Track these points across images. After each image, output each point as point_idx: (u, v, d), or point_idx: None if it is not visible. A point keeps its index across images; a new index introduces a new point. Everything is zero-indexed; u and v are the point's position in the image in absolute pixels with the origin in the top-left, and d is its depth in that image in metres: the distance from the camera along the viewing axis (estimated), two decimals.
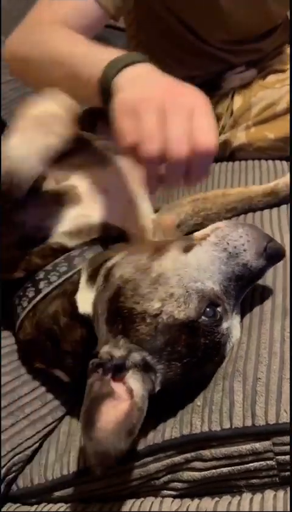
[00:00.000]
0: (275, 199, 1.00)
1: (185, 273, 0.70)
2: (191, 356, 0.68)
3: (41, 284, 0.79)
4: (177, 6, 1.14)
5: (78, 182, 0.86)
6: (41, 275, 0.80)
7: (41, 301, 0.79)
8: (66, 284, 0.79)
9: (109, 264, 0.76)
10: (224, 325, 0.71)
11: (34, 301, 0.79)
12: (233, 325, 0.73)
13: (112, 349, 0.69)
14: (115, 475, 0.73)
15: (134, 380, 0.67)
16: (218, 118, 1.26)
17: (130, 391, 0.66)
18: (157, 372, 0.68)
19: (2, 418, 0.78)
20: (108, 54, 0.74)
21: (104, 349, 0.69)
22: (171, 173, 0.66)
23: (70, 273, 0.79)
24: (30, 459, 0.81)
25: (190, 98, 0.66)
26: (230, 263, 0.71)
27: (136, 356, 0.68)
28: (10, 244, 0.80)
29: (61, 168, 0.84)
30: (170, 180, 0.68)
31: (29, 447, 0.80)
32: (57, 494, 0.77)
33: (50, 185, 0.84)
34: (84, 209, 0.84)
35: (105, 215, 0.85)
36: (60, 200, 0.83)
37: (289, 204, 1.01)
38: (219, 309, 0.70)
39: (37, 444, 0.81)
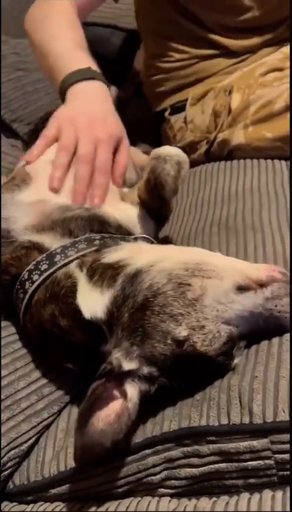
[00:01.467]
0: (155, 192, 0.84)
1: (225, 312, 0.68)
2: (194, 380, 0.69)
3: (27, 285, 0.77)
4: None
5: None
6: (26, 275, 0.78)
7: (31, 304, 0.77)
8: (54, 287, 0.75)
9: (128, 269, 0.72)
10: (235, 361, 0.70)
11: (24, 302, 0.78)
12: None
13: (123, 358, 0.67)
14: (112, 469, 0.71)
15: (131, 387, 0.67)
16: (216, 115, 1.24)
17: (125, 395, 0.66)
18: (156, 383, 0.68)
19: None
20: (74, 63, 0.91)
21: (116, 355, 0.67)
22: (78, 182, 0.82)
23: (50, 271, 0.76)
24: (26, 455, 0.79)
25: (103, 132, 0.85)
26: (268, 322, 0.69)
27: (145, 370, 0.67)
28: None
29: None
30: (76, 189, 0.82)
31: (25, 442, 0.78)
32: (53, 491, 0.75)
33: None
34: (39, 191, 0.82)
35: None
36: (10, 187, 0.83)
37: (288, 204, 0.99)
38: (235, 349, 0.69)
39: (33, 440, 0.79)
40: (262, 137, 1.15)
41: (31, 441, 0.79)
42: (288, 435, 0.62)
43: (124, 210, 0.87)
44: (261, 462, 0.64)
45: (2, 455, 0.75)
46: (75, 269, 0.76)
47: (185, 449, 0.67)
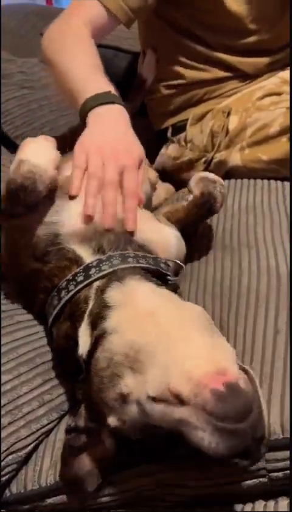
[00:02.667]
0: (204, 207, 0.93)
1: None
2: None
3: (63, 293, 0.78)
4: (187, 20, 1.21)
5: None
6: (63, 284, 0.78)
7: (63, 312, 0.78)
8: (73, 306, 0.76)
9: (104, 325, 0.69)
10: None
11: (56, 310, 0.78)
12: None
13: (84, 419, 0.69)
14: (110, 484, 0.70)
15: (108, 438, 0.68)
16: (214, 135, 1.25)
17: (103, 442, 0.68)
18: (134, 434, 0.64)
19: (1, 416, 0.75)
20: (94, 87, 0.93)
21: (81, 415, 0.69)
22: (106, 206, 0.83)
23: (85, 283, 0.76)
24: (24, 462, 0.78)
25: (129, 159, 0.87)
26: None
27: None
28: (30, 255, 0.80)
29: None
30: (106, 213, 0.83)
31: (23, 447, 0.77)
32: (49, 501, 0.74)
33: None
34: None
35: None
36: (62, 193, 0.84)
37: (288, 207, 1.00)
38: None
39: (31, 447, 0.78)
40: (258, 160, 1.16)
41: (29, 447, 0.78)
42: (283, 453, 0.62)
43: (159, 231, 0.89)
44: (256, 481, 0.64)
45: (1, 458, 0.74)
46: (92, 293, 0.75)
47: (179, 472, 0.67)
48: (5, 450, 0.74)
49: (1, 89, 1.44)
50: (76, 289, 0.76)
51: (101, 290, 0.74)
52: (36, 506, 0.75)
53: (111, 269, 0.76)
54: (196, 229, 0.99)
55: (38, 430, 0.78)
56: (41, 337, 0.86)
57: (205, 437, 0.52)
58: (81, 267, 0.78)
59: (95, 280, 0.76)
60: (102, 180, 0.84)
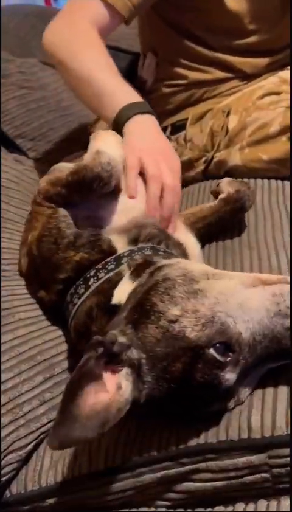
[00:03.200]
0: (237, 203, 1.00)
1: (225, 301, 0.63)
2: (180, 383, 0.62)
3: (91, 281, 0.78)
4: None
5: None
6: (92, 272, 0.78)
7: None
8: (104, 283, 0.76)
9: (159, 264, 0.74)
10: (227, 375, 0.61)
11: (83, 297, 0.78)
12: (236, 390, 0.64)
13: (118, 334, 0.64)
14: (109, 484, 0.70)
15: (125, 380, 0.63)
16: (214, 135, 1.25)
17: (119, 387, 0.62)
18: (145, 384, 0.63)
19: (1, 415, 0.75)
20: (126, 97, 0.96)
21: (112, 331, 0.65)
22: (166, 210, 0.90)
23: (116, 270, 0.76)
24: (24, 462, 0.78)
25: (175, 164, 0.93)
26: (275, 320, 0.62)
27: (134, 353, 0.63)
28: (67, 244, 0.80)
29: None
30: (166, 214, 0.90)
31: (23, 446, 0.76)
32: (50, 501, 0.74)
33: None
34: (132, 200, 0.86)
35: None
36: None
37: (284, 221, 1.00)
38: (231, 355, 0.61)
39: (31, 446, 0.78)
40: (258, 159, 1.15)
41: (29, 447, 0.77)
42: (286, 450, 0.62)
43: (188, 235, 0.95)
44: (258, 476, 0.63)
45: (1, 458, 0.73)
46: (125, 266, 0.77)
47: (182, 468, 0.66)
48: (5, 449, 0.74)
49: (1, 89, 1.44)
50: (107, 276, 0.76)
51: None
52: (36, 506, 0.75)
53: (141, 260, 0.77)
54: (220, 229, 1.02)
55: (37, 429, 0.78)
56: (42, 334, 0.86)
57: None
58: (113, 257, 0.79)
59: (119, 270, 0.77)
60: (162, 184, 0.88)
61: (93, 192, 0.81)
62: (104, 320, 0.72)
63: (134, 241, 0.82)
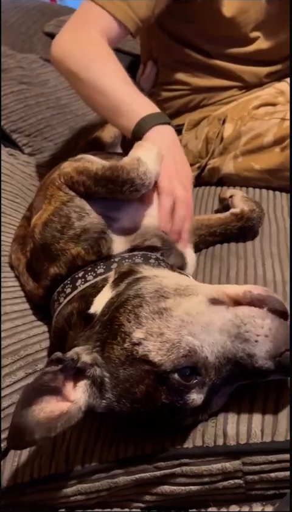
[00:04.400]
0: (248, 222, 1.00)
1: (190, 323, 0.63)
2: (143, 404, 0.62)
3: (78, 282, 0.78)
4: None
5: None
6: (80, 273, 0.79)
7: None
8: (89, 287, 0.77)
9: (139, 275, 0.74)
10: (193, 396, 0.61)
11: (69, 298, 0.78)
12: (208, 405, 0.64)
13: (82, 352, 0.66)
14: (85, 482, 0.70)
15: (82, 392, 0.64)
16: (208, 142, 1.26)
17: (75, 398, 0.63)
18: (105, 399, 0.64)
19: None
20: (145, 107, 0.97)
21: (76, 349, 0.66)
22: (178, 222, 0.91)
23: (104, 276, 0.77)
24: (2, 457, 0.78)
25: (189, 181, 0.95)
26: (236, 344, 0.62)
27: (97, 371, 0.64)
28: (72, 236, 0.80)
29: None
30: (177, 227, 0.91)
31: (1, 440, 0.77)
32: (25, 498, 0.74)
33: None
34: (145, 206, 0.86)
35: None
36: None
37: (279, 217, 1.02)
38: (198, 378, 0.61)
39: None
40: (250, 168, 1.16)
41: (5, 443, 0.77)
42: (260, 457, 0.63)
43: (190, 251, 0.95)
44: (231, 482, 0.64)
45: None
46: (112, 273, 0.77)
47: (158, 472, 0.67)
48: None
49: (0, 84, 1.43)
50: (94, 280, 0.77)
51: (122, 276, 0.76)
52: (11, 502, 0.75)
53: (127, 268, 0.77)
54: (220, 241, 1.02)
55: None
56: (27, 329, 0.87)
57: (265, 325, 0.62)
58: (103, 261, 0.79)
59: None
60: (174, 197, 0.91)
61: (118, 193, 0.80)
62: (80, 328, 0.73)
63: (136, 248, 0.82)
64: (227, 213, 1.03)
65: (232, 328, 0.63)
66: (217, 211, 1.10)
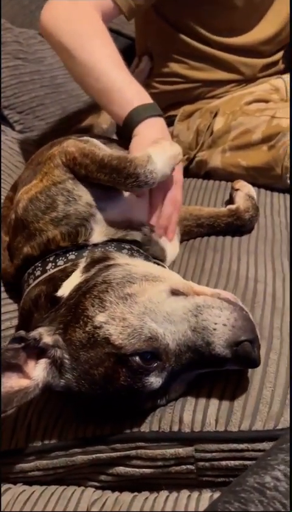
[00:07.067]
0: (238, 220, 1.01)
1: (153, 311, 0.65)
2: (101, 386, 0.64)
3: (49, 265, 0.79)
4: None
5: None
6: (52, 257, 0.79)
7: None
8: (57, 272, 0.77)
9: (111, 262, 0.75)
10: (152, 379, 0.64)
11: (37, 280, 0.79)
12: (166, 390, 0.66)
13: (44, 333, 0.67)
14: (43, 458, 0.72)
15: (41, 370, 0.66)
16: (199, 134, 1.27)
17: (34, 375, 0.65)
18: (64, 379, 0.66)
19: None
20: (137, 97, 0.96)
21: (40, 330, 0.68)
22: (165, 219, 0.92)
23: (74, 261, 0.77)
24: None
25: (180, 177, 0.96)
26: (196, 332, 0.65)
27: (58, 352, 0.66)
28: (54, 218, 0.80)
29: None
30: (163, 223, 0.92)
31: None
32: None
33: None
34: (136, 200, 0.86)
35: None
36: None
37: (288, 213, 1.04)
38: (157, 363, 0.64)
39: None
40: (237, 164, 1.18)
41: None
42: (212, 445, 0.66)
43: (174, 243, 0.96)
44: (183, 467, 0.67)
45: None
46: (83, 259, 0.78)
47: (114, 454, 0.69)
48: None
49: (1, 59, 1.42)
50: (64, 265, 0.77)
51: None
52: None
53: (100, 254, 0.77)
54: (205, 234, 1.04)
55: None
56: None
57: (223, 314, 0.65)
58: (75, 247, 0.79)
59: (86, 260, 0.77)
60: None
61: (121, 184, 0.80)
62: (46, 310, 0.74)
63: (113, 241, 0.82)
64: (225, 208, 1.04)
65: (191, 317, 0.66)
66: (227, 203, 1.11)
